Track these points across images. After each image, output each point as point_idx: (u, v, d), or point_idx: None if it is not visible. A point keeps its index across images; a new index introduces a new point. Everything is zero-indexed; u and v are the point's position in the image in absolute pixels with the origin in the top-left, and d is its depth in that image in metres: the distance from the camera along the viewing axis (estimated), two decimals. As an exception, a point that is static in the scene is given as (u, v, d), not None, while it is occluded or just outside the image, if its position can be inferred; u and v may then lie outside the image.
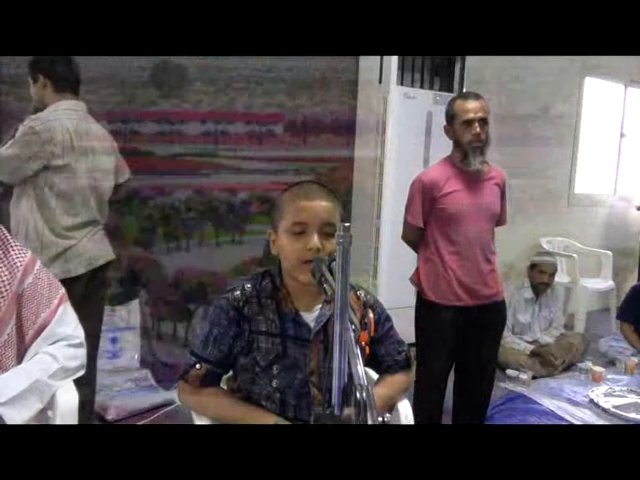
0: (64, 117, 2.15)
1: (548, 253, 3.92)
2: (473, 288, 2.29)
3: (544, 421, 2.88)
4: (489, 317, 2.35)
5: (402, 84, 3.64)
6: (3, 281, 1.27)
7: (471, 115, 2.21)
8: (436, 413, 2.37)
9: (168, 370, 3.06)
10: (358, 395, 0.80)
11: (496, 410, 2.94)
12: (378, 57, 3.53)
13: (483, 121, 2.22)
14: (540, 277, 3.68)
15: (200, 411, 1.38)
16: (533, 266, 3.72)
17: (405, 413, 1.44)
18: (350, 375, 0.85)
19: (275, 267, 1.39)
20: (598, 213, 5.31)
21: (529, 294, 3.72)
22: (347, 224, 0.86)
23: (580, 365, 3.49)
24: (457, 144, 2.28)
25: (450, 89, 3.86)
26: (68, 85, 2.22)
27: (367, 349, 0.98)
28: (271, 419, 1.30)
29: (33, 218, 2.13)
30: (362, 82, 3.69)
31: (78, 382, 1.37)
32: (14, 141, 2.08)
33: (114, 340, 3.05)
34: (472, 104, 2.22)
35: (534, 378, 3.37)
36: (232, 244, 3.43)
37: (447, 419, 2.49)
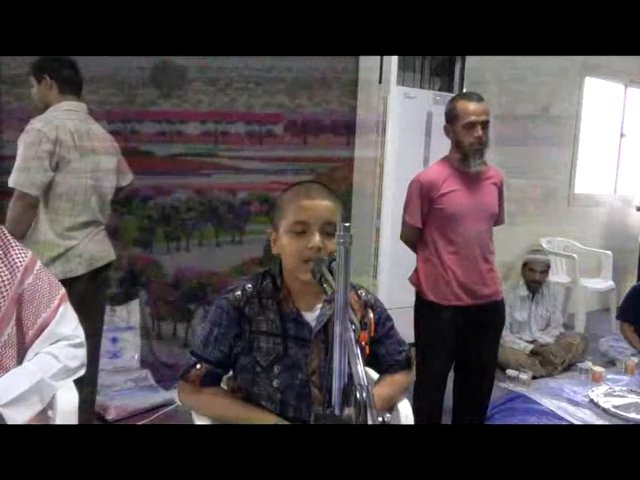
0: (65, 117, 2.15)
1: (540, 251, 3.91)
2: (472, 288, 2.29)
3: (544, 421, 2.88)
4: (488, 317, 2.35)
5: (402, 84, 3.64)
6: (3, 281, 1.27)
7: (474, 118, 2.20)
8: (436, 413, 2.38)
9: (168, 370, 3.06)
10: (358, 395, 0.80)
11: (496, 410, 2.94)
12: (378, 57, 3.53)
13: (485, 124, 2.22)
14: (531, 275, 3.68)
15: (200, 411, 1.38)
16: (525, 264, 3.72)
17: (405, 413, 1.44)
18: (350, 375, 0.85)
19: (276, 267, 1.39)
20: (598, 213, 5.31)
21: (524, 292, 3.72)
22: (347, 224, 0.86)
23: (580, 365, 3.49)
24: (457, 145, 2.27)
25: (450, 89, 3.86)
26: (72, 87, 2.24)
27: (367, 349, 0.99)
28: (271, 419, 1.30)
29: (36, 218, 2.13)
30: (362, 82, 3.69)
31: (79, 382, 1.37)
32: (23, 151, 2.06)
33: (114, 340, 3.05)
34: (475, 106, 2.21)
35: (534, 378, 3.37)
36: (232, 244, 3.43)
37: (447, 419, 2.49)
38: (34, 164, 2.06)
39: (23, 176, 2.06)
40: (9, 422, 1.17)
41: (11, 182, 2.07)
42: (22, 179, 2.06)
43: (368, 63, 3.61)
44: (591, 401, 3.04)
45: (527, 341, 3.65)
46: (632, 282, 4.73)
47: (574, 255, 4.47)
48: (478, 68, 3.88)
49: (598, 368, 3.41)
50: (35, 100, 2.26)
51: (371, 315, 1.30)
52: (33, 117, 2.15)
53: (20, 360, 1.30)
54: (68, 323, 1.37)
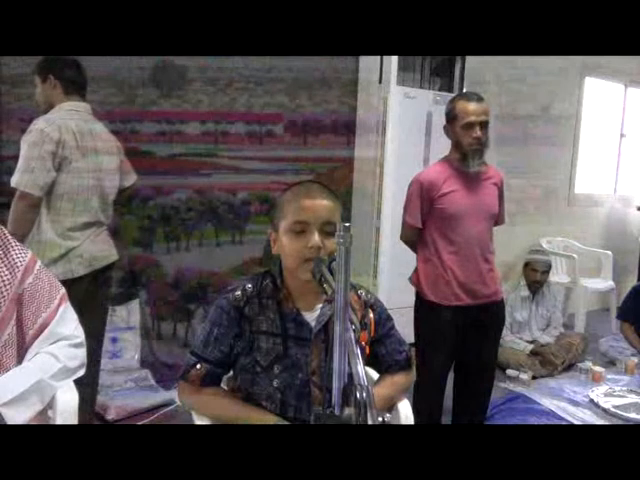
0: (67, 117, 2.15)
1: (541, 251, 3.91)
2: (472, 288, 2.29)
3: (544, 421, 2.88)
4: (488, 317, 2.35)
5: (402, 84, 3.64)
6: (4, 281, 1.27)
7: (473, 118, 2.20)
8: (436, 413, 2.38)
9: (168, 370, 3.06)
10: (358, 395, 0.80)
11: (496, 410, 2.94)
12: (378, 57, 3.53)
13: (484, 124, 2.21)
14: (533, 275, 3.68)
15: (200, 411, 1.38)
16: (527, 264, 3.72)
17: (405, 413, 1.44)
18: (350, 375, 0.85)
19: (276, 267, 1.39)
20: (598, 213, 5.31)
21: (525, 292, 3.72)
22: (347, 224, 0.86)
23: (580, 365, 3.49)
24: (456, 145, 2.27)
25: (450, 89, 3.86)
26: (76, 87, 2.24)
27: (367, 349, 0.99)
28: (271, 419, 1.30)
29: (38, 219, 2.13)
30: (362, 82, 3.69)
31: (79, 382, 1.37)
32: (26, 151, 2.06)
33: (114, 340, 3.05)
34: (475, 106, 2.21)
35: (534, 378, 3.37)
36: (232, 244, 3.43)
37: (447, 419, 2.49)
38: (37, 164, 2.05)
39: (26, 176, 2.06)
40: (9, 422, 1.17)
41: (14, 182, 2.06)
42: (25, 179, 2.06)
43: (368, 63, 3.61)
44: (591, 401, 3.04)
45: (527, 341, 3.65)
46: (632, 282, 4.73)
47: (574, 255, 4.47)
48: (478, 68, 3.88)
49: (598, 368, 3.41)
50: (39, 100, 2.25)
51: (371, 315, 1.30)
52: (34, 117, 2.15)
53: (20, 360, 1.30)
54: (68, 323, 1.37)
